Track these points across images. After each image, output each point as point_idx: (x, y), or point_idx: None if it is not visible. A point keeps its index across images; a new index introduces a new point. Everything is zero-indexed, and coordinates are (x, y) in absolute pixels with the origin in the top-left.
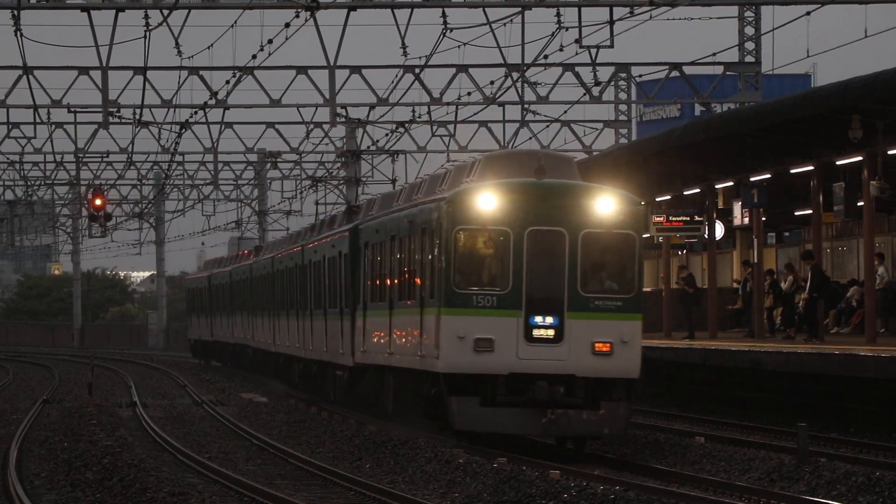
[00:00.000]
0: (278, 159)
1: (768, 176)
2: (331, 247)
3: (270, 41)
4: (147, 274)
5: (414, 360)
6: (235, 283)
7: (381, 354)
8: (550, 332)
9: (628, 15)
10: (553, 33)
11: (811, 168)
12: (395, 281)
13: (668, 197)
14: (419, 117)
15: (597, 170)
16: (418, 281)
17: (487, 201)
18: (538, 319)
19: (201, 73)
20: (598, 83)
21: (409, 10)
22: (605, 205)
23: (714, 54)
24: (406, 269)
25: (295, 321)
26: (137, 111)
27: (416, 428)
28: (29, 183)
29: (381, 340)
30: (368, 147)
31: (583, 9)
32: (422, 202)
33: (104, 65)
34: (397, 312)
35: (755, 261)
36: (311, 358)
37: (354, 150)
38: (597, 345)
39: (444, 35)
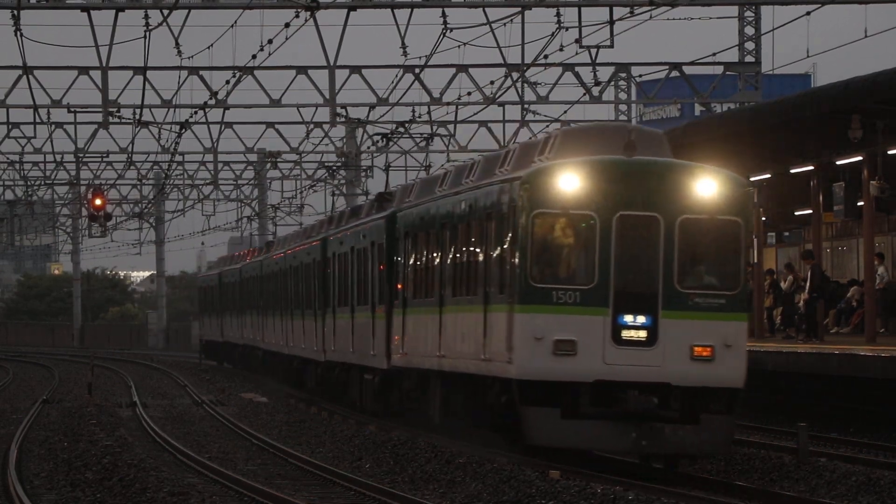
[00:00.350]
0: (278, 159)
1: (768, 176)
2: (361, 237)
3: (270, 41)
4: (147, 274)
5: (475, 364)
6: (245, 280)
7: (427, 357)
8: (642, 334)
9: (628, 15)
10: (553, 33)
11: (811, 168)
12: (448, 274)
13: None
14: (419, 117)
15: None
16: (481, 274)
17: (570, 181)
18: (628, 319)
19: (201, 73)
20: (598, 83)
21: (409, 10)
22: (707, 187)
23: (714, 54)
24: (463, 261)
25: (313, 321)
26: (137, 111)
27: (472, 441)
28: (29, 183)
29: (428, 341)
30: (394, 134)
31: (583, 9)
32: (485, 184)
33: (104, 65)
34: (451, 310)
35: (755, 261)
36: (333, 360)
37: (386, 134)
38: (696, 349)
39: (444, 35)
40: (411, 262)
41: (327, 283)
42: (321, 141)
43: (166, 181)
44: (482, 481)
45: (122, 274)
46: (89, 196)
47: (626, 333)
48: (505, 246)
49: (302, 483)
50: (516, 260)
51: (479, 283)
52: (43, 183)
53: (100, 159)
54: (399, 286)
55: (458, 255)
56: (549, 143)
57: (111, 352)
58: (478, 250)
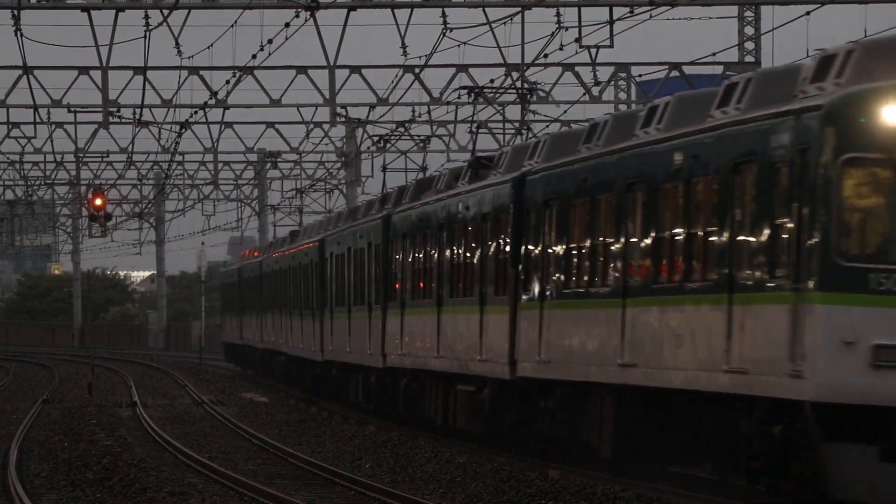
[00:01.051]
0: (278, 159)
1: None
2: (462, 208)
3: (270, 41)
4: (147, 274)
5: (707, 377)
6: (266, 275)
7: (593, 366)
8: None
9: (628, 15)
10: (553, 33)
11: None
12: (639, 254)
13: None
14: (419, 117)
15: None
16: (719, 251)
17: None
18: None
19: (201, 73)
20: (598, 83)
21: (409, 9)
22: None
23: (714, 54)
24: (674, 235)
25: (366, 319)
26: (137, 111)
27: (681, 485)
28: (29, 183)
29: (594, 345)
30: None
31: (583, 9)
32: (719, 125)
33: (104, 65)
34: (645, 302)
35: None
36: (398, 367)
37: (476, 88)
38: None
39: (444, 35)
40: (556, 241)
41: (390, 272)
42: (321, 141)
43: (166, 181)
44: (482, 481)
45: (122, 274)
46: (89, 196)
47: None
48: (785, 209)
49: (302, 483)
50: (815, 227)
51: (713, 264)
52: (43, 183)
53: (100, 159)
54: (534, 270)
55: (660, 228)
56: (836, 63)
57: (111, 352)
58: (712, 218)
